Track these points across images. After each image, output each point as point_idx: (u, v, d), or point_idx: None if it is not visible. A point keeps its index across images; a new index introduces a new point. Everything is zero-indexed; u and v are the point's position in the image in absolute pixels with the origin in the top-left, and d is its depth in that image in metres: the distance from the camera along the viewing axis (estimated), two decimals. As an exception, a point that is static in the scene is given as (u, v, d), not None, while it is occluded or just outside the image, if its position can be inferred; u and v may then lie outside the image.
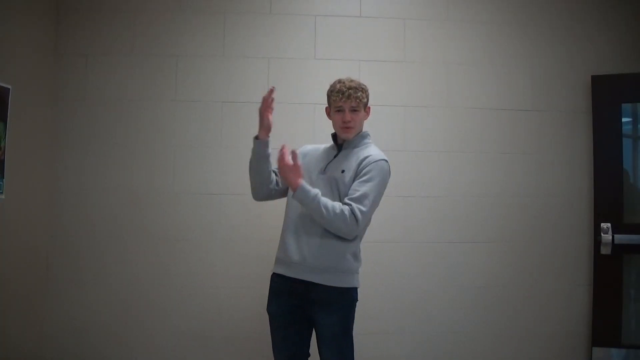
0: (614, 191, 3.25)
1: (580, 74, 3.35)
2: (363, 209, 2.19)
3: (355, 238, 2.31)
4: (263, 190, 2.43)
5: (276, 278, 2.37)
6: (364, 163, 2.28)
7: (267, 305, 2.40)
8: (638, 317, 3.36)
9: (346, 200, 2.22)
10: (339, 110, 2.33)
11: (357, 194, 2.21)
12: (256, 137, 2.38)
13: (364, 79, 3.31)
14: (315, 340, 2.37)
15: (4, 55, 2.75)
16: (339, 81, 2.36)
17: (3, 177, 2.75)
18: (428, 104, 3.34)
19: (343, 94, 2.30)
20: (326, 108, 2.46)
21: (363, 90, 2.36)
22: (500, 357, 3.25)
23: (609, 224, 3.18)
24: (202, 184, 3.24)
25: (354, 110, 2.31)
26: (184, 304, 3.20)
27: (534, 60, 3.38)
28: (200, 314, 3.20)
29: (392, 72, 3.34)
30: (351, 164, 2.31)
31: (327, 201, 2.19)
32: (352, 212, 2.18)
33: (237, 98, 3.28)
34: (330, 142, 2.47)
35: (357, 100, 2.31)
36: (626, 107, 3.34)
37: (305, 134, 3.21)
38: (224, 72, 3.29)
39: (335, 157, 2.37)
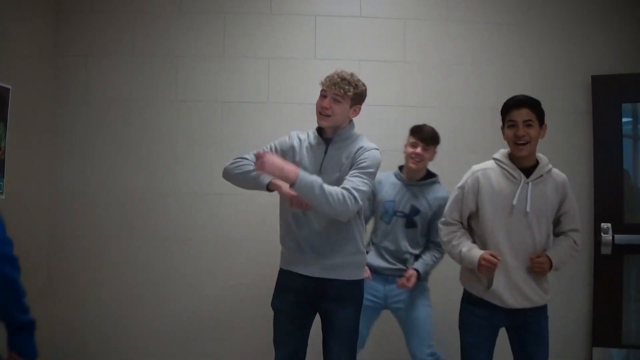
0: (614, 191, 3.25)
1: (580, 74, 3.35)
2: (361, 187, 2.17)
3: (361, 229, 2.34)
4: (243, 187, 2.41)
5: (287, 274, 2.34)
6: (356, 154, 2.25)
7: (273, 299, 2.35)
8: (638, 317, 3.36)
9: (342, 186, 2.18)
10: (322, 96, 2.27)
11: (352, 177, 2.20)
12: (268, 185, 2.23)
13: (364, 79, 3.33)
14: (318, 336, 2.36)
15: (4, 56, 2.75)
16: (337, 70, 2.30)
17: (3, 177, 2.75)
18: (428, 104, 3.34)
19: (331, 79, 2.23)
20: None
21: (355, 85, 2.26)
22: (500, 357, 3.24)
23: (609, 224, 3.17)
24: (203, 184, 3.24)
25: (336, 99, 2.23)
26: (185, 304, 3.20)
27: (534, 60, 3.38)
28: (202, 314, 3.20)
29: (392, 72, 3.34)
30: (344, 162, 2.26)
31: (329, 188, 2.13)
32: (351, 193, 2.14)
33: (238, 98, 3.28)
34: (311, 130, 2.39)
35: (341, 91, 2.21)
36: (626, 107, 3.34)
37: (306, 134, 3.21)
38: (224, 73, 3.30)
39: (325, 153, 2.30)
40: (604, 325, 3.19)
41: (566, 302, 3.26)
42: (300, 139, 2.36)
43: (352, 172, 2.21)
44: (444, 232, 2.34)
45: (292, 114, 3.23)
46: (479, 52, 3.37)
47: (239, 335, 3.19)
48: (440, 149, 3.32)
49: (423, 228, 2.76)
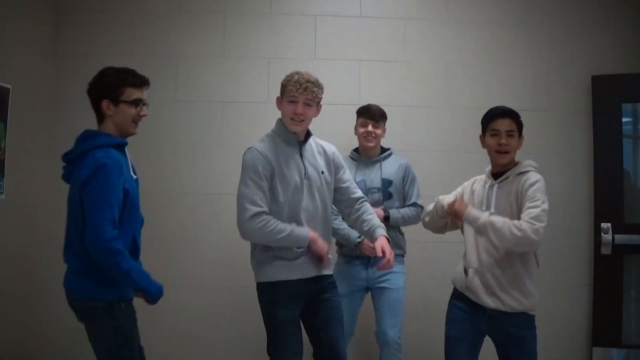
0: (614, 191, 3.25)
1: (580, 74, 3.35)
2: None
3: None
4: None
5: (289, 284, 2.24)
6: (335, 157, 2.41)
7: (279, 311, 2.24)
8: (638, 317, 3.36)
9: (358, 202, 2.41)
10: (292, 102, 2.25)
11: (355, 187, 2.46)
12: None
13: (364, 79, 3.36)
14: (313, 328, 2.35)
15: (4, 55, 2.75)
16: (297, 73, 2.30)
17: (3, 177, 2.75)
18: (428, 104, 3.34)
19: (300, 85, 2.23)
20: (277, 98, 2.36)
21: (319, 86, 2.29)
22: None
23: (609, 224, 3.17)
24: (203, 184, 3.24)
25: (307, 104, 2.26)
26: (185, 303, 3.20)
27: (534, 60, 3.38)
28: (202, 313, 3.20)
29: (392, 72, 3.34)
30: (321, 162, 2.35)
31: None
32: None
33: (238, 98, 3.28)
34: (268, 133, 2.39)
35: (313, 95, 2.25)
36: (626, 107, 3.35)
37: (306, 134, 3.21)
38: (224, 73, 3.30)
39: (302, 155, 2.32)
40: (604, 325, 3.19)
41: (566, 302, 3.26)
42: (266, 148, 2.30)
43: (348, 180, 2.43)
44: (426, 210, 2.51)
45: (292, 114, 3.22)
46: (479, 52, 3.37)
47: (239, 334, 3.19)
48: (440, 148, 3.33)
49: (399, 196, 2.88)
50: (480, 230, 2.20)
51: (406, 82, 3.34)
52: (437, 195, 3.33)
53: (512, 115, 2.33)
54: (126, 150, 2.13)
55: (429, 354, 3.21)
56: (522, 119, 2.39)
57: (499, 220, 2.16)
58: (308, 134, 2.36)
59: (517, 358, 2.26)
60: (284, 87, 2.31)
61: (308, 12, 3.34)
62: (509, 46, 3.38)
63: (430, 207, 2.47)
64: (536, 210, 2.14)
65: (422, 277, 3.23)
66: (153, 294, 2.10)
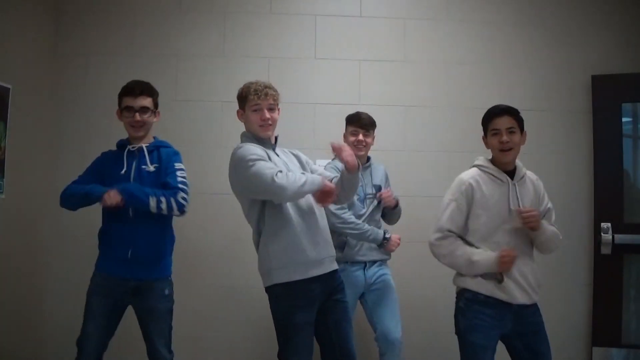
0: (614, 191, 3.25)
1: (580, 74, 3.35)
2: None
3: None
4: None
5: (304, 283, 2.21)
6: (301, 156, 2.46)
7: (298, 315, 2.20)
8: (638, 317, 3.36)
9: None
10: (256, 110, 2.32)
11: (328, 175, 2.44)
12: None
13: (364, 78, 3.36)
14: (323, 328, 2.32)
15: (4, 55, 2.76)
16: (252, 82, 2.37)
17: (3, 177, 2.75)
18: (428, 104, 3.34)
19: (260, 92, 2.32)
20: (238, 111, 2.41)
21: (276, 90, 2.39)
22: (500, 358, 3.24)
23: (609, 224, 3.17)
24: (203, 184, 3.23)
25: (270, 108, 2.34)
26: (182, 304, 3.19)
27: (535, 60, 3.38)
28: (201, 314, 3.20)
29: (392, 72, 3.34)
30: (295, 161, 2.41)
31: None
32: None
33: (237, 98, 3.27)
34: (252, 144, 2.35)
35: (273, 98, 2.35)
36: (626, 107, 3.34)
37: (306, 134, 3.22)
38: (224, 72, 3.30)
39: (278, 155, 2.36)
40: (604, 325, 3.19)
41: (566, 302, 3.26)
42: (262, 149, 2.32)
43: (316, 170, 2.42)
44: (443, 246, 2.29)
45: (292, 114, 3.22)
46: (479, 51, 3.37)
47: (239, 334, 3.19)
48: (440, 148, 3.33)
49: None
50: (550, 239, 2.30)
51: (406, 82, 3.34)
52: (435, 195, 3.33)
53: (510, 112, 2.33)
54: (129, 149, 2.48)
55: (423, 353, 3.22)
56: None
57: (552, 230, 2.31)
58: (276, 139, 2.41)
59: (536, 343, 2.29)
60: (243, 98, 2.37)
61: (308, 11, 3.34)
62: (509, 46, 3.38)
63: (454, 252, 2.28)
64: (553, 212, 2.38)
65: (411, 277, 3.23)
66: (103, 198, 2.32)
